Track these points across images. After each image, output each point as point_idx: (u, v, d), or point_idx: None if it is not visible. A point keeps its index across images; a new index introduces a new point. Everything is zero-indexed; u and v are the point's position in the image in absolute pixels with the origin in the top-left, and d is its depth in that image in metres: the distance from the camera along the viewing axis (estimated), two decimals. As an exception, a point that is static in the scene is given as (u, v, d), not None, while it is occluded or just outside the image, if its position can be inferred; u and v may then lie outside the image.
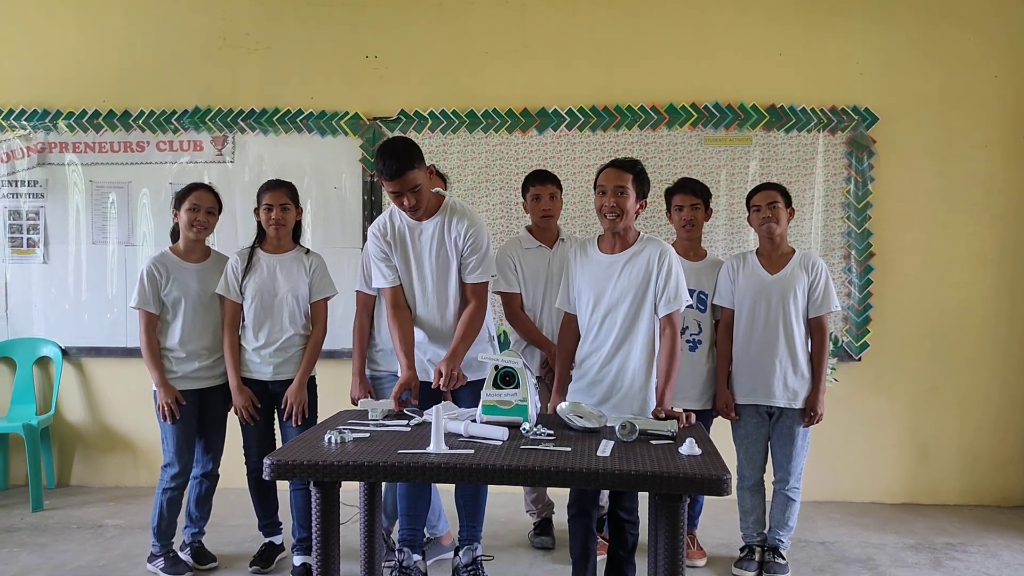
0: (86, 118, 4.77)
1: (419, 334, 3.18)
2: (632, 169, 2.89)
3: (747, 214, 3.58)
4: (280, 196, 3.39)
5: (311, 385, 3.48)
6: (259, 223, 3.45)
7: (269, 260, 3.42)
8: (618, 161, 2.93)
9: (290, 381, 3.40)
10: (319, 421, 3.24)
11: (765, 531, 3.58)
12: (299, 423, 3.37)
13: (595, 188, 2.93)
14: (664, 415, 2.77)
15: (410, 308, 3.17)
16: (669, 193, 3.64)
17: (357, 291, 3.48)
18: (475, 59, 4.70)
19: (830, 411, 3.54)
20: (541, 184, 3.68)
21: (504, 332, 4.61)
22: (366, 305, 3.47)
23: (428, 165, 3.04)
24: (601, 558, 3.42)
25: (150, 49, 4.80)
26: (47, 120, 4.78)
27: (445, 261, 3.11)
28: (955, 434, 4.63)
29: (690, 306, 3.47)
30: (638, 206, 2.91)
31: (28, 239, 4.84)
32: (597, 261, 2.97)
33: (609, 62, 4.66)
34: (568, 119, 4.63)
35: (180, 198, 3.45)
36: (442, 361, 2.98)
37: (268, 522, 3.61)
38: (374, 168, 3.02)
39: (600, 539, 3.60)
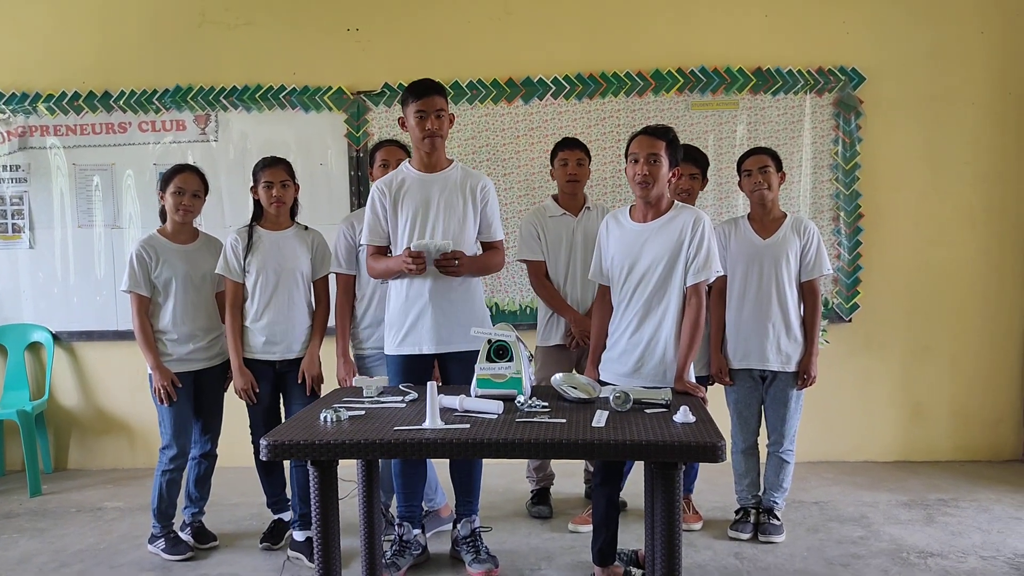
0: (66, 100, 4.71)
1: (418, 292, 3.10)
2: (665, 136, 2.85)
3: (738, 179, 3.57)
4: (279, 173, 3.36)
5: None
6: (255, 201, 3.41)
7: (270, 237, 3.37)
8: (650, 128, 2.89)
9: (296, 360, 3.37)
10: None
11: (760, 493, 3.61)
12: (310, 393, 3.36)
13: (626, 156, 2.89)
14: (683, 389, 2.75)
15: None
16: None
17: (337, 273, 3.46)
18: (458, 28, 4.64)
19: (822, 373, 3.56)
20: (570, 150, 3.70)
21: (496, 303, 4.63)
22: (347, 286, 3.46)
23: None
24: (587, 528, 3.47)
25: (128, 28, 4.72)
26: (26, 103, 4.71)
27: (465, 209, 3.11)
28: (946, 392, 4.68)
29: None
30: (671, 174, 2.87)
31: (13, 224, 4.79)
32: (630, 229, 2.94)
33: (593, 28, 4.61)
34: (553, 88, 4.59)
35: (165, 180, 3.41)
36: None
37: (276, 499, 3.61)
38: (401, 95, 3.08)
39: (585, 514, 3.66)
